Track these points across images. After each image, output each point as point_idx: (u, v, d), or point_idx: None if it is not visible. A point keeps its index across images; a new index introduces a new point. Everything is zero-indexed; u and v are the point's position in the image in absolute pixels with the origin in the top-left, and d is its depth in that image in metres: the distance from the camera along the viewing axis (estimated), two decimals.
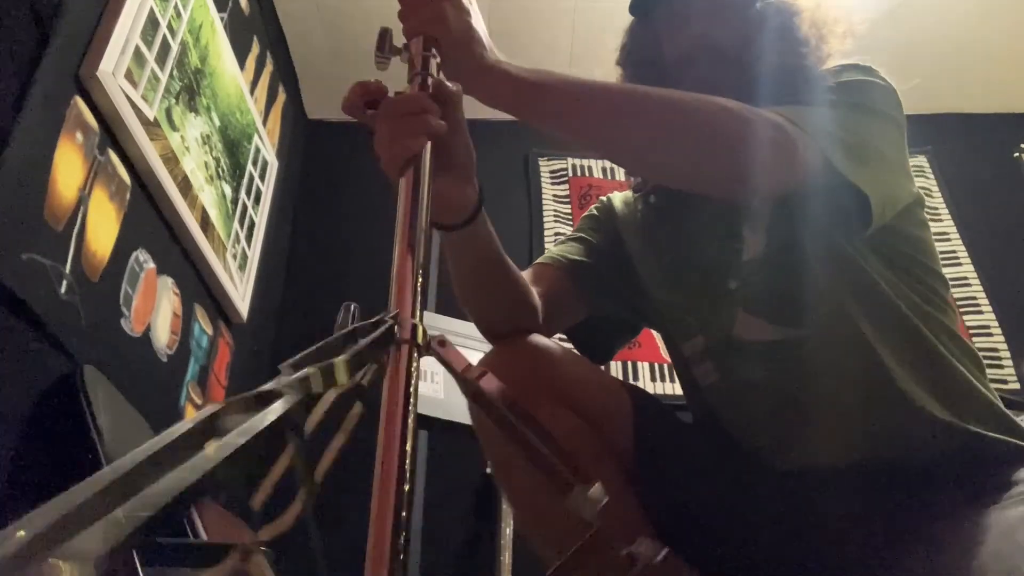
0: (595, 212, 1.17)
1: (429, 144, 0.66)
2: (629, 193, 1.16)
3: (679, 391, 1.11)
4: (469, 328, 2.57)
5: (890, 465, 0.78)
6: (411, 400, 0.39)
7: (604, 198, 1.19)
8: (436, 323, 2.47)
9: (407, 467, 0.35)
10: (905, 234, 0.91)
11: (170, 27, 1.95)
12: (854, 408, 0.82)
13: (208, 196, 2.16)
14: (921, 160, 3.20)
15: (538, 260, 1.10)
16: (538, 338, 0.88)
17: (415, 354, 0.42)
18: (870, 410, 0.81)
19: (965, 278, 2.90)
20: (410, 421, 0.37)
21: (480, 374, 0.47)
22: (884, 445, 0.79)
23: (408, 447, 0.36)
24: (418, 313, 0.47)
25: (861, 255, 0.87)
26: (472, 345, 2.45)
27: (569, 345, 1.03)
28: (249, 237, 2.52)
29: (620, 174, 3.19)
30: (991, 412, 0.80)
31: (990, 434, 0.77)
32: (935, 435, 0.77)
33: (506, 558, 2.08)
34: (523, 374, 0.82)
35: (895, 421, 0.79)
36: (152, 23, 1.83)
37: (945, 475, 0.75)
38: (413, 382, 0.41)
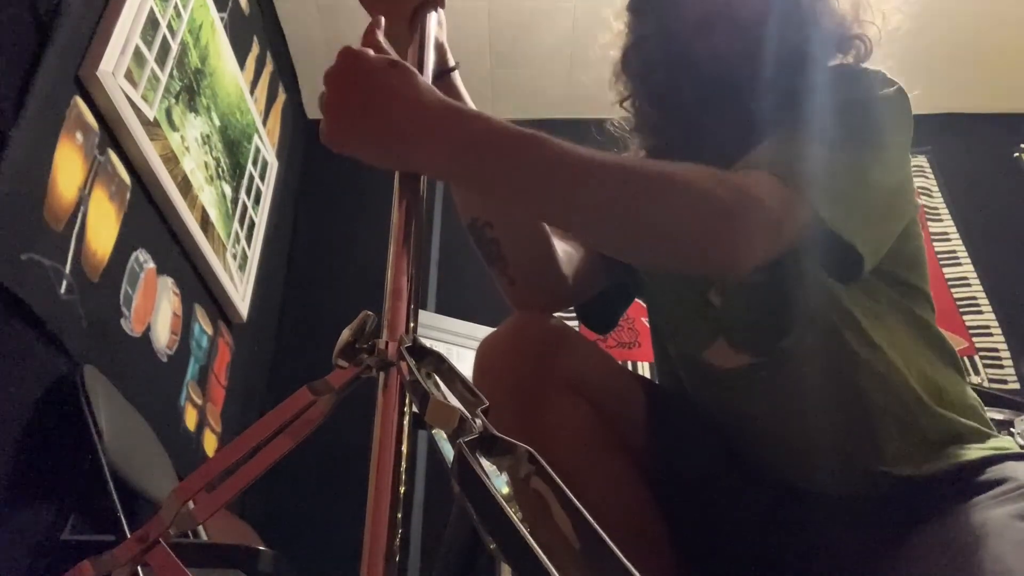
0: None
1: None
2: None
3: None
4: (469, 328, 2.56)
5: (865, 496, 0.77)
6: (406, 400, 0.39)
7: None
8: (436, 323, 2.47)
9: (402, 468, 0.35)
10: (895, 250, 0.84)
11: (170, 27, 1.95)
12: (825, 441, 0.79)
13: (208, 196, 2.16)
14: (921, 160, 3.19)
15: None
16: (557, 321, 0.84)
17: (410, 357, 0.42)
18: (840, 446, 0.78)
19: (965, 278, 2.90)
20: (405, 422, 0.37)
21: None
22: (856, 483, 0.77)
23: (404, 447, 0.36)
24: (414, 323, 0.47)
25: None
26: (472, 346, 2.44)
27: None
28: (249, 237, 2.52)
29: None
30: (968, 431, 0.78)
31: (966, 457, 0.74)
32: (909, 477, 0.74)
33: None
34: (539, 357, 0.78)
35: (865, 462, 0.77)
36: (152, 23, 1.83)
37: (924, 496, 0.73)
38: (408, 382, 0.40)
